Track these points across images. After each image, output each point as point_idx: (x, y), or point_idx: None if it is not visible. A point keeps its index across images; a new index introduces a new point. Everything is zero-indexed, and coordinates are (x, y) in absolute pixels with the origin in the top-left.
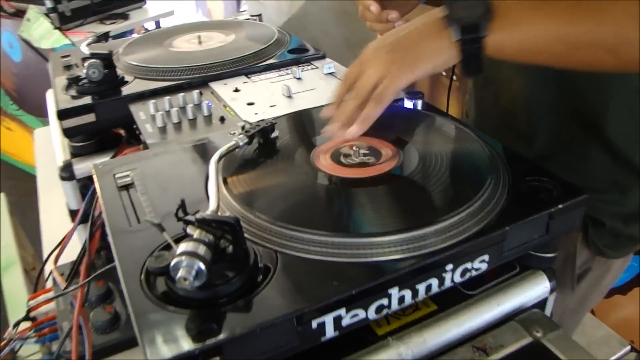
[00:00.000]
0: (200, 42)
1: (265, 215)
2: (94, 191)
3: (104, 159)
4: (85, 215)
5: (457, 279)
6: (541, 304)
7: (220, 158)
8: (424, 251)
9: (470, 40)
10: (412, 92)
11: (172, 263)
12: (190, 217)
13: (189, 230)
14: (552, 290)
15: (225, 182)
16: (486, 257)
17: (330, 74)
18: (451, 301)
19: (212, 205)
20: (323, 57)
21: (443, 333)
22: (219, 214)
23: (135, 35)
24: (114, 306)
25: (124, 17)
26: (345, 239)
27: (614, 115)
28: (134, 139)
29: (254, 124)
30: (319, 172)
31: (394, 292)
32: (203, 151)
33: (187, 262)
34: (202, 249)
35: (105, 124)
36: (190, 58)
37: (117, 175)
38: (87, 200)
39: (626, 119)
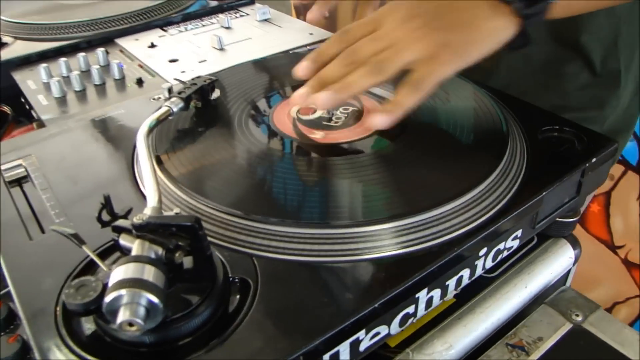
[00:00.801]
0: None
1: (232, 206)
2: None
3: None
4: None
5: (489, 264)
6: (563, 277)
7: (150, 130)
8: (456, 234)
9: (535, 14)
10: None
11: (108, 300)
12: (123, 223)
13: (123, 241)
14: (576, 260)
15: (159, 162)
16: (519, 233)
17: (266, 20)
18: (467, 290)
19: (151, 199)
20: (252, 1)
21: (470, 332)
22: (164, 211)
23: None
24: (19, 334)
25: None
26: (351, 229)
27: (590, 22)
28: (23, 116)
29: (189, 82)
30: (292, 139)
31: (422, 294)
32: (121, 124)
33: (131, 296)
34: (150, 272)
35: None
36: (88, 10)
37: (3, 167)
38: None
39: (602, 25)
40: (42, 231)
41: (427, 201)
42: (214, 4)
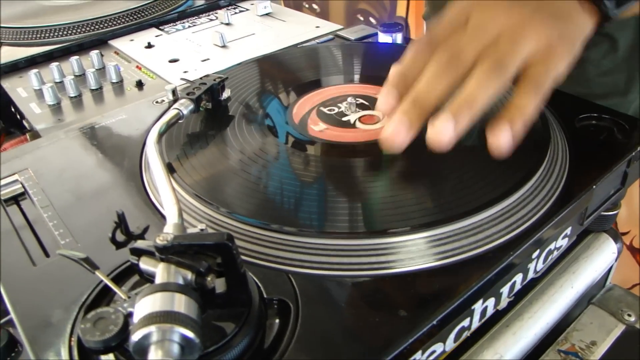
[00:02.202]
0: None
1: (262, 218)
2: None
3: None
4: None
5: (540, 266)
6: (605, 274)
7: (160, 136)
8: (507, 237)
9: (618, 13)
10: (388, 23)
11: (136, 339)
12: (143, 244)
13: (144, 264)
14: (618, 254)
15: (171, 170)
16: (568, 230)
17: (267, 14)
18: None
19: (171, 215)
20: None
21: (520, 339)
22: (187, 229)
23: None
24: None
25: None
26: (399, 238)
27: None
28: (14, 126)
29: (197, 82)
30: (321, 141)
31: (478, 305)
32: (123, 131)
33: (162, 332)
34: (181, 302)
35: None
36: (78, 11)
37: None
38: None
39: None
40: (47, 255)
41: (475, 203)
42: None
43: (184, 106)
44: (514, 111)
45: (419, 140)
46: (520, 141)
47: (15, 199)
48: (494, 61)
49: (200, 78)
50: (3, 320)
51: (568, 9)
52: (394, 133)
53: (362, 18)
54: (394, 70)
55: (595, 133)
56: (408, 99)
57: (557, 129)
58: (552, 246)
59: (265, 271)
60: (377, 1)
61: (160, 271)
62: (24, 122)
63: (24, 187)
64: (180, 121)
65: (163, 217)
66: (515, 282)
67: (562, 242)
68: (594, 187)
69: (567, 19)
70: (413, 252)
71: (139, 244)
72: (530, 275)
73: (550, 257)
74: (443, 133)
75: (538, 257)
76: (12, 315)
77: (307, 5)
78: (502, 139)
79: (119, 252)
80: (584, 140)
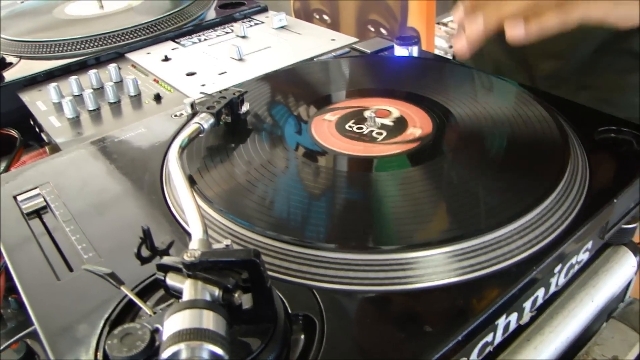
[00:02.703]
0: (102, 6)
1: (286, 232)
2: None
3: None
4: None
5: (562, 280)
6: (625, 287)
7: (182, 150)
8: (530, 252)
9: None
10: (403, 36)
11: (165, 356)
12: (170, 260)
13: (171, 280)
14: (638, 268)
15: (193, 183)
16: (589, 244)
17: (282, 27)
18: None
19: (196, 231)
20: (265, 9)
21: (541, 354)
22: (212, 244)
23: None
24: None
25: None
26: (423, 252)
27: None
28: (33, 140)
29: (217, 96)
30: (343, 155)
31: (501, 320)
32: (143, 144)
33: (192, 349)
34: (209, 319)
35: None
36: (95, 25)
37: (20, 198)
38: None
39: None
40: (70, 269)
41: (499, 217)
42: (225, 13)
43: (205, 120)
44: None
45: (443, 157)
46: (540, 155)
47: (38, 213)
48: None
49: (220, 92)
50: (24, 333)
51: None
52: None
53: (372, 29)
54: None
55: (615, 146)
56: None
57: (577, 142)
58: (573, 260)
59: (290, 286)
60: (387, 12)
61: (187, 288)
62: (43, 135)
63: (45, 200)
64: (200, 135)
65: (184, 230)
66: (537, 296)
67: (583, 256)
68: (615, 200)
69: None
70: (437, 266)
71: (166, 260)
72: (552, 289)
73: (571, 271)
74: (518, 28)
75: (560, 271)
76: (37, 329)
77: (317, 16)
78: (515, 31)
79: (142, 265)
80: (604, 153)
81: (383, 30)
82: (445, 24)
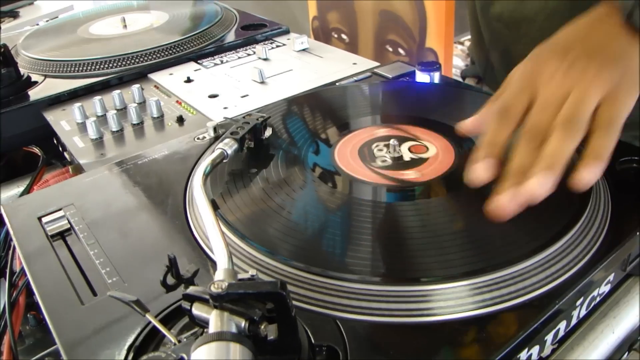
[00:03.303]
0: (125, 26)
1: (310, 262)
2: (8, 234)
3: (15, 190)
4: None
5: (583, 313)
6: None
7: (206, 177)
8: (553, 285)
9: None
10: (425, 62)
11: None
12: (196, 290)
13: (197, 310)
14: None
15: (215, 208)
16: (611, 277)
17: (304, 50)
18: None
19: (222, 260)
20: (287, 31)
21: None
22: (238, 273)
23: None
24: None
25: (13, 15)
26: (446, 285)
27: None
28: (55, 158)
29: (240, 121)
30: (367, 182)
31: (523, 354)
32: (166, 167)
33: None
34: (236, 351)
35: (12, 141)
36: (118, 45)
37: (45, 219)
38: None
39: None
40: (94, 293)
41: (522, 250)
42: (247, 34)
43: (229, 146)
44: (592, 158)
45: (465, 190)
46: (562, 186)
47: (62, 235)
48: (567, 120)
49: (243, 117)
50: (45, 352)
51: (622, 45)
52: (510, 200)
53: (391, 49)
54: (486, 145)
55: (637, 176)
56: (514, 174)
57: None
58: (595, 293)
59: (313, 316)
60: (406, 32)
61: (214, 319)
62: (65, 154)
63: (69, 222)
64: (224, 161)
65: (207, 256)
66: (559, 329)
67: (605, 289)
68: (638, 233)
69: (623, 56)
70: (460, 299)
71: (192, 290)
72: (574, 321)
73: (592, 303)
74: (539, 185)
75: (582, 304)
76: (62, 354)
77: (336, 35)
78: (584, 180)
79: (167, 293)
80: (625, 184)
81: (401, 51)
82: (461, 43)
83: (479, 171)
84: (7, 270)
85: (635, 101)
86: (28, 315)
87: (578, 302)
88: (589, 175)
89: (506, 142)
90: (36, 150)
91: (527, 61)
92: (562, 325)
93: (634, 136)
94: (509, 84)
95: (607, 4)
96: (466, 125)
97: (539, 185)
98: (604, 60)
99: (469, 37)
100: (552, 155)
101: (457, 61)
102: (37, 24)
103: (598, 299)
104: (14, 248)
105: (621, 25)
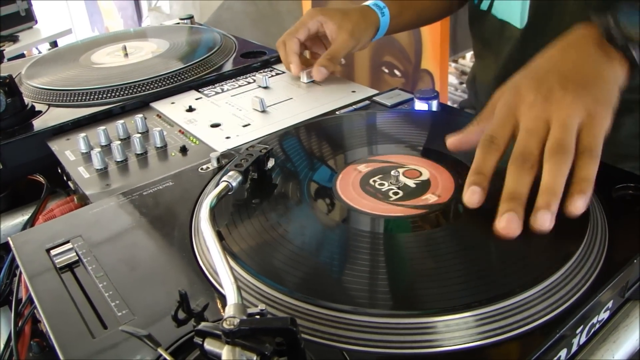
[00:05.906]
0: (126, 55)
1: (317, 296)
2: (13, 263)
3: (20, 218)
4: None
5: (583, 340)
6: None
7: (212, 211)
8: (554, 314)
9: None
10: (423, 90)
11: None
12: (208, 326)
13: (209, 346)
14: None
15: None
16: (610, 304)
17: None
18: None
19: (231, 295)
20: None
21: None
22: (249, 309)
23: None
24: None
25: (13, 39)
26: (451, 316)
27: None
28: (58, 186)
29: (244, 152)
30: (375, 216)
31: None
32: (171, 198)
33: None
34: None
35: (16, 171)
36: (119, 74)
37: (53, 252)
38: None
39: None
40: (104, 326)
41: (524, 279)
42: (247, 62)
43: (233, 178)
44: (583, 183)
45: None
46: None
47: (70, 267)
48: (556, 149)
49: (247, 149)
50: None
51: (594, 69)
52: (511, 228)
53: (387, 70)
54: (475, 174)
55: (633, 203)
56: (507, 199)
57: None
58: (594, 320)
59: (320, 348)
60: (402, 54)
61: (226, 354)
62: (70, 183)
63: (77, 255)
64: (229, 193)
65: (215, 288)
66: (560, 357)
67: (604, 315)
68: (635, 261)
69: (596, 80)
70: (463, 330)
71: (204, 326)
72: (574, 349)
73: (592, 330)
74: (547, 223)
75: (582, 331)
76: None
77: None
78: (579, 208)
79: (177, 327)
80: (622, 211)
81: (397, 72)
82: (455, 61)
83: (471, 201)
84: (13, 299)
85: (609, 124)
86: (31, 342)
87: (578, 330)
88: (582, 201)
89: (494, 169)
90: (40, 178)
91: (507, 91)
92: (562, 354)
93: (634, 167)
94: (492, 113)
95: (584, 24)
96: (451, 142)
97: (549, 220)
98: (577, 88)
99: (463, 54)
100: (552, 187)
101: (451, 79)
102: (37, 48)
103: (597, 325)
104: (20, 276)
105: (595, 44)
